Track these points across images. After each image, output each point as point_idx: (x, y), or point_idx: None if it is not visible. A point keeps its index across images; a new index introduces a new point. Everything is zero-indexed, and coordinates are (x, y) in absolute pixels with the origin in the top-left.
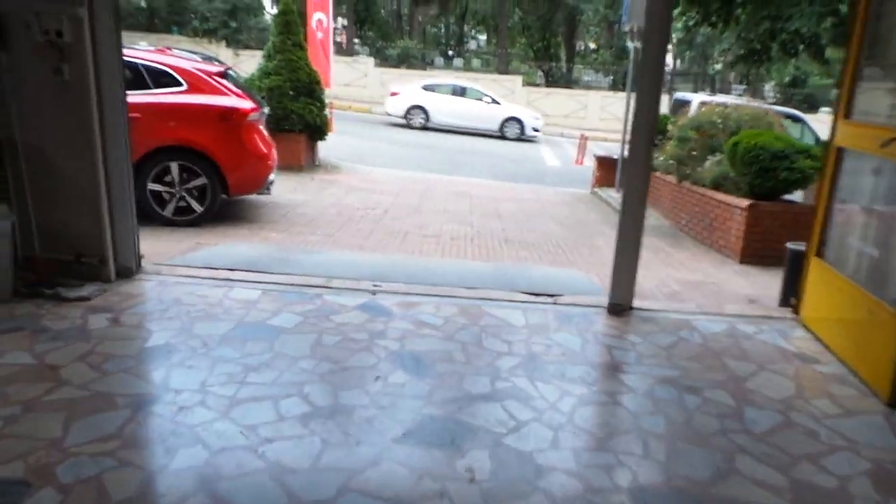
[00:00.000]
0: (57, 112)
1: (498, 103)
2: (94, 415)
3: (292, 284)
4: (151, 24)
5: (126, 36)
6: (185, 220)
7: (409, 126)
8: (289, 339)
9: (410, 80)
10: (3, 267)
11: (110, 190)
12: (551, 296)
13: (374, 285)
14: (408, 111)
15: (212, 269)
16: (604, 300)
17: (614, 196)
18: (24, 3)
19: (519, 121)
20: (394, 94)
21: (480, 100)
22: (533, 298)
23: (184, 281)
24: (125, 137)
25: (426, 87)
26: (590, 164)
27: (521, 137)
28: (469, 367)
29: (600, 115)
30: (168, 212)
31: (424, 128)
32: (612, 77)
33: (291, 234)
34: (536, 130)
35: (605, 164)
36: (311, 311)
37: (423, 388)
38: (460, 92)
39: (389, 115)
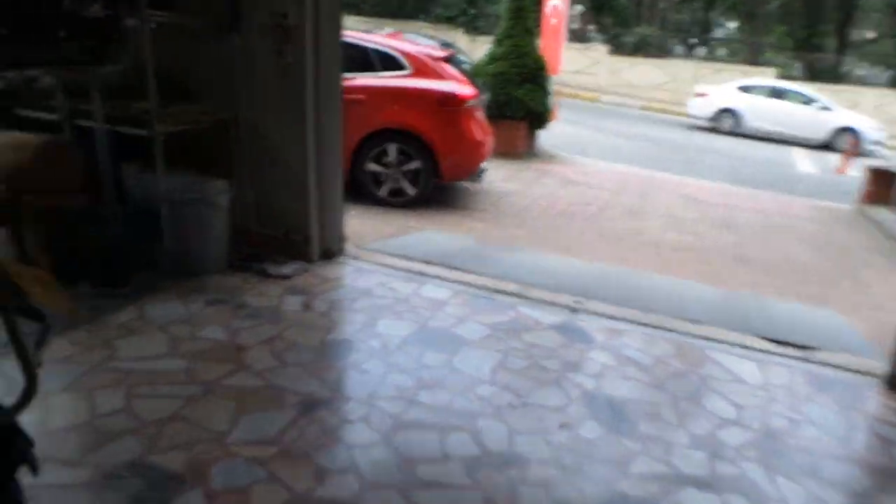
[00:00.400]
0: (276, 93)
1: (829, 109)
2: (263, 411)
3: (486, 288)
4: (400, 11)
5: (375, 21)
6: (397, 201)
7: (715, 131)
8: (471, 354)
9: (643, 69)
10: (221, 239)
11: (320, 171)
12: (801, 347)
13: (576, 301)
14: (716, 114)
15: (408, 259)
16: (878, 365)
17: (890, 217)
18: None
19: (855, 131)
20: (701, 94)
21: (808, 104)
22: (775, 347)
23: (379, 270)
24: (338, 121)
25: (741, 88)
26: (857, 174)
27: (858, 152)
28: (681, 434)
29: (875, 117)
30: (383, 192)
31: (732, 133)
32: (893, 72)
33: (497, 226)
34: (879, 144)
35: (879, 176)
36: (500, 323)
37: (619, 452)
38: (779, 94)
39: (694, 117)
